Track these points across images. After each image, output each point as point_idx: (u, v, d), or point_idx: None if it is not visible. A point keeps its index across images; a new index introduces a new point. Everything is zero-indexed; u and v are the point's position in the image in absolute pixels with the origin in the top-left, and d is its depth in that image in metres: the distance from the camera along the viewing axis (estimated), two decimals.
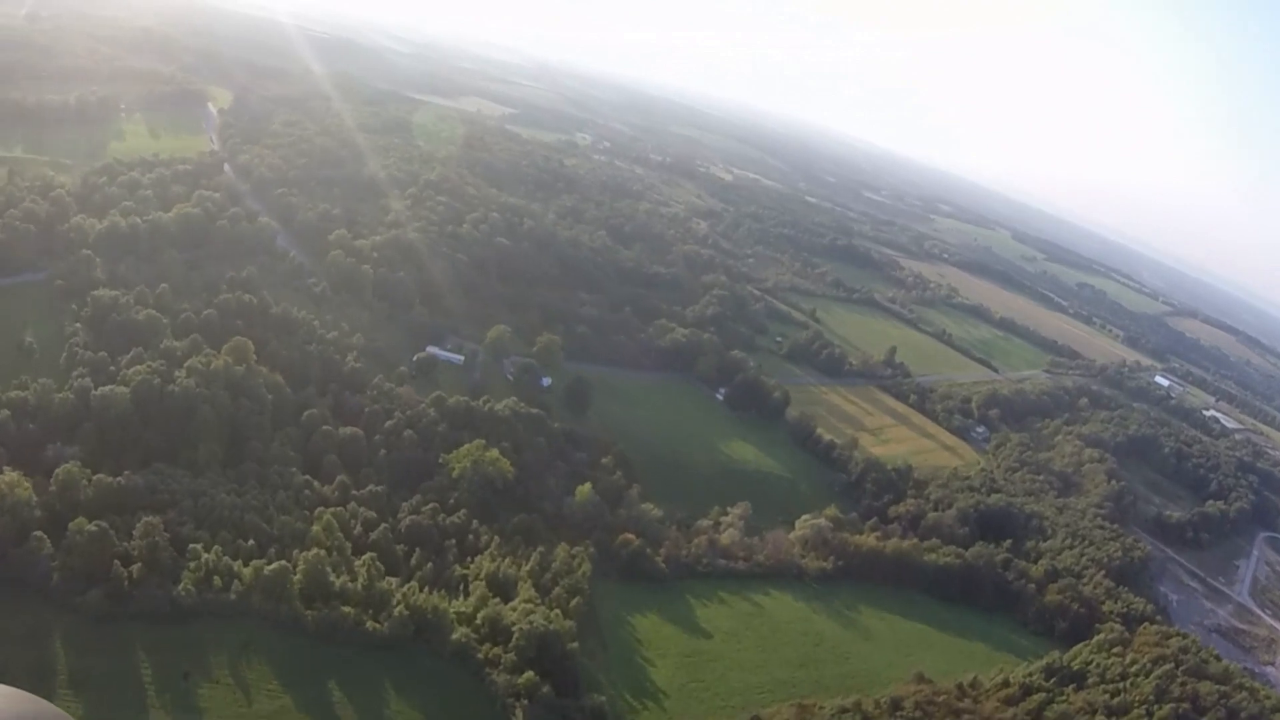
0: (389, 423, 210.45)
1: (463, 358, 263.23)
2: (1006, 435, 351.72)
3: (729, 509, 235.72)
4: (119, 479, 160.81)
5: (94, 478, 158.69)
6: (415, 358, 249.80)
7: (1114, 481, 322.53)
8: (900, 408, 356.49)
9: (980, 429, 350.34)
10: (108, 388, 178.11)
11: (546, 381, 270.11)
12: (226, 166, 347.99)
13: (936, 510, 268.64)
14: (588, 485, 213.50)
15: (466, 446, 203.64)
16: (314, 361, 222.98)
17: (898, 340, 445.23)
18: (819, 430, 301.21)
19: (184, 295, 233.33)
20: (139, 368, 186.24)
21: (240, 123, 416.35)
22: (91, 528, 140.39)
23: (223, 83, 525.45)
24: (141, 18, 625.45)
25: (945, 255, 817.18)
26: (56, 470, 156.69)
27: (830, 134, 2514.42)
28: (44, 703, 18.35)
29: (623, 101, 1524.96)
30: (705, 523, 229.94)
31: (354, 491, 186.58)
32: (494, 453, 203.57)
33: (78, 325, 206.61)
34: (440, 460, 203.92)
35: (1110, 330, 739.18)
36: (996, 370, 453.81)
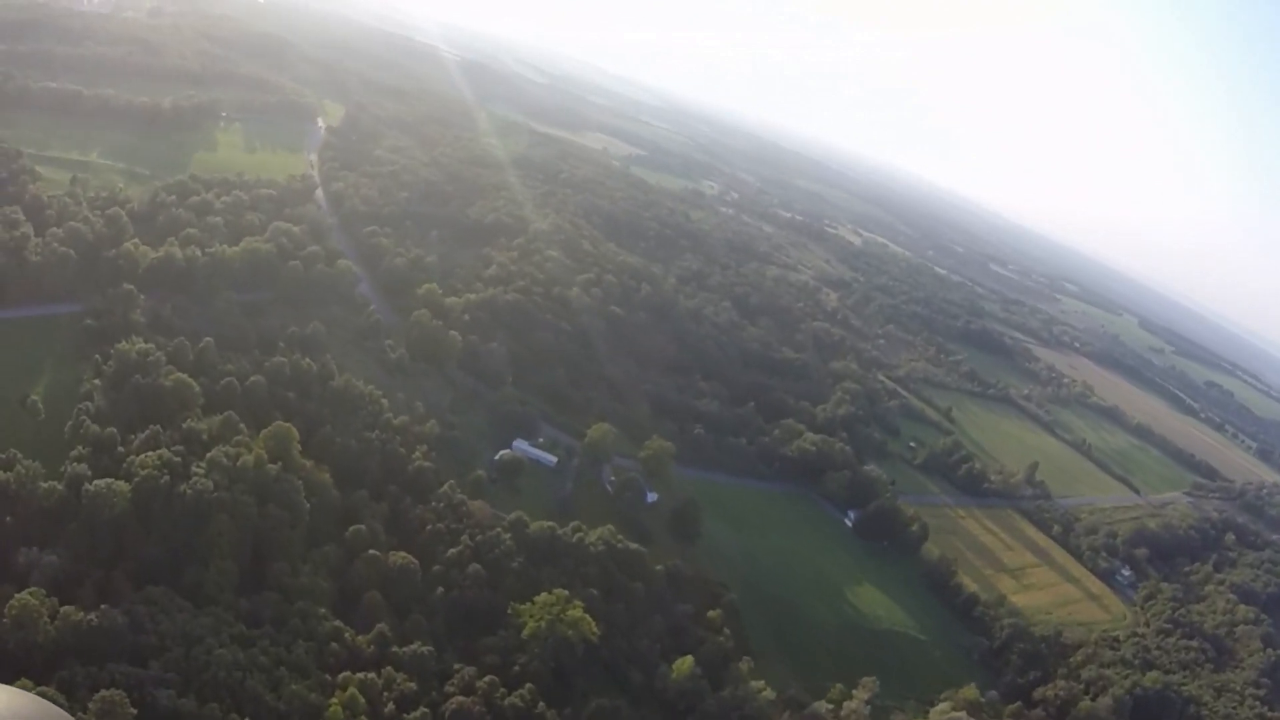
0: (453, 550, 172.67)
1: (555, 459, 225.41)
2: (1156, 585, 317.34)
3: (853, 691, 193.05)
4: (92, 616, 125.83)
5: (61, 610, 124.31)
6: (498, 456, 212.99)
7: (1269, 650, 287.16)
8: (1042, 540, 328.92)
9: (1126, 571, 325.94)
10: (105, 482, 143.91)
11: (652, 497, 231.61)
12: (319, 193, 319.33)
13: (1089, 694, 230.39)
14: (689, 659, 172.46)
15: (544, 597, 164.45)
16: (373, 455, 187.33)
17: (1035, 449, 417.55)
18: (959, 576, 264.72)
19: (233, 350, 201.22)
20: (149, 456, 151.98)
21: (344, 143, 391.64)
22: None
23: (338, 97, 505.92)
24: (264, 22, 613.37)
25: (1076, 344, 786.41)
26: (12, 600, 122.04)
27: (956, 199, 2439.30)
28: (45, 702, 20.15)
29: (751, 150, 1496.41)
30: (825, 706, 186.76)
31: (395, 649, 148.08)
32: (577, 609, 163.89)
33: (96, 383, 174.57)
34: (510, 610, 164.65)
35: (1242, 441, 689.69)
36: (1138, 491, 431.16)
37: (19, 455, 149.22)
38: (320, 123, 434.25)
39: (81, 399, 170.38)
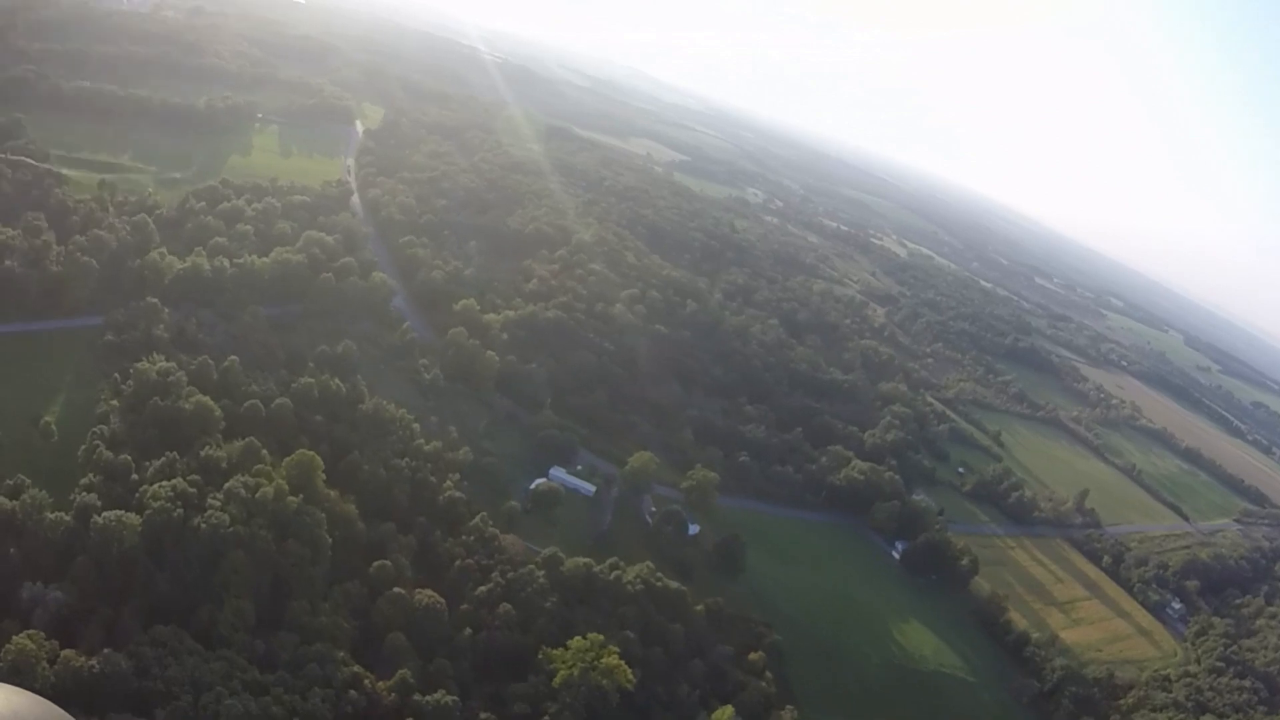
0: (483, 588, 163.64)
1: (594, 488, 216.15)
2: (1208, 620, 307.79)
3: None
4: (94, 662, 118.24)
5: (61, 654, 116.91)
6: (534, 485, 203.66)
7: None
8: (1092, 572, 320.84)
9: (1177, 604, 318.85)
10: (115, 514, 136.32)
11: (694, 529, 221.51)
12: (355, 199, 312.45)
13: None
14: (729, 710, 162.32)
15: (578, 643, 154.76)
16: (403, 484, 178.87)
17: (1085, 474, 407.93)
18: (1009, 614, 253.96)
19: (259, 369, 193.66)
20: (163, 487, 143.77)
21: (382, 148, 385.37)
22: None
23: (379, 101, 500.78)
24: (306, 24, 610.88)
25: (1123, 363, 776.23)
26: (8, 644, 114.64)
27: (999, 208, 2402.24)
28: (45, 702, 19.79)
29: (795, 158, 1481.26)
30: None
31: (418, 696, 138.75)
32: (612, 656, 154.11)
33: (114, 404, 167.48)
34: (541, 655, 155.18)
35: None
36: (1188, 519, 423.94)
37: (27, 482, 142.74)
38: (359, 127, 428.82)
39: (97, 421, 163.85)
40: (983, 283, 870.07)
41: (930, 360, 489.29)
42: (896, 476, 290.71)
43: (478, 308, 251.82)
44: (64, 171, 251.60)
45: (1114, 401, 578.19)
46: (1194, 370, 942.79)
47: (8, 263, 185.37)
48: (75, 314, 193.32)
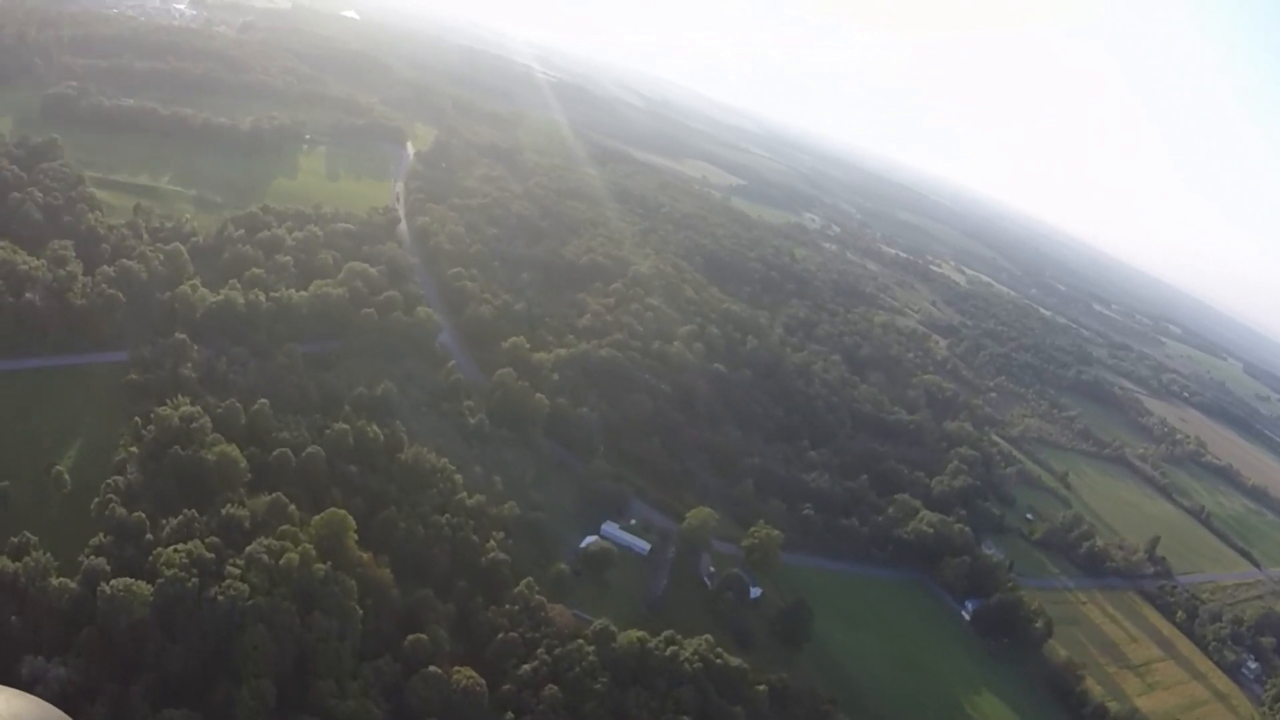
0: (527, 666, 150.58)
1: (649, 546, 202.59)
2: None
3: None
4: None
5: None
6: (584, 543, 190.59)
7: None
8: (1165, 628, 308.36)
9: (1253, 663, 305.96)
10: (124, 582, 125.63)
11: (756, 592, 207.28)
12: (402, 227, 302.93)
13: None
14: None
15: None
16: (442, 543, 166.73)
17: (1153, 518, 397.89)
18: (1086, 681, 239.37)
19: (292, 412, 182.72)
20: (178, 552, 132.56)
21: (432, 171, 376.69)
22: None
23: (431, 121, 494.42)
24: (359, 41, 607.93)
25: (1185, 394, 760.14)
26: None
27: (1056, 232, 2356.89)
28: (45, 704, 20.30)
29: (850, 180, 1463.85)
30: None
31: None
32: None
33: (132, 450, 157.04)
34: None
35: None
36: (1259, 565, 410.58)
37: (33, 540, 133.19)
38: (409, 148, 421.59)
39: (114, 470, 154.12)
40: (1042, 310, 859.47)
41: (994, 395, 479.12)
42: (966, 529, 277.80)
43: (528, 345, 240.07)
44: (99, 194, 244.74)
45: (1178, 436, 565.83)
46: (1254, 400, 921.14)
47: (29, 295, 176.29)
48: (99, 349, 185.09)
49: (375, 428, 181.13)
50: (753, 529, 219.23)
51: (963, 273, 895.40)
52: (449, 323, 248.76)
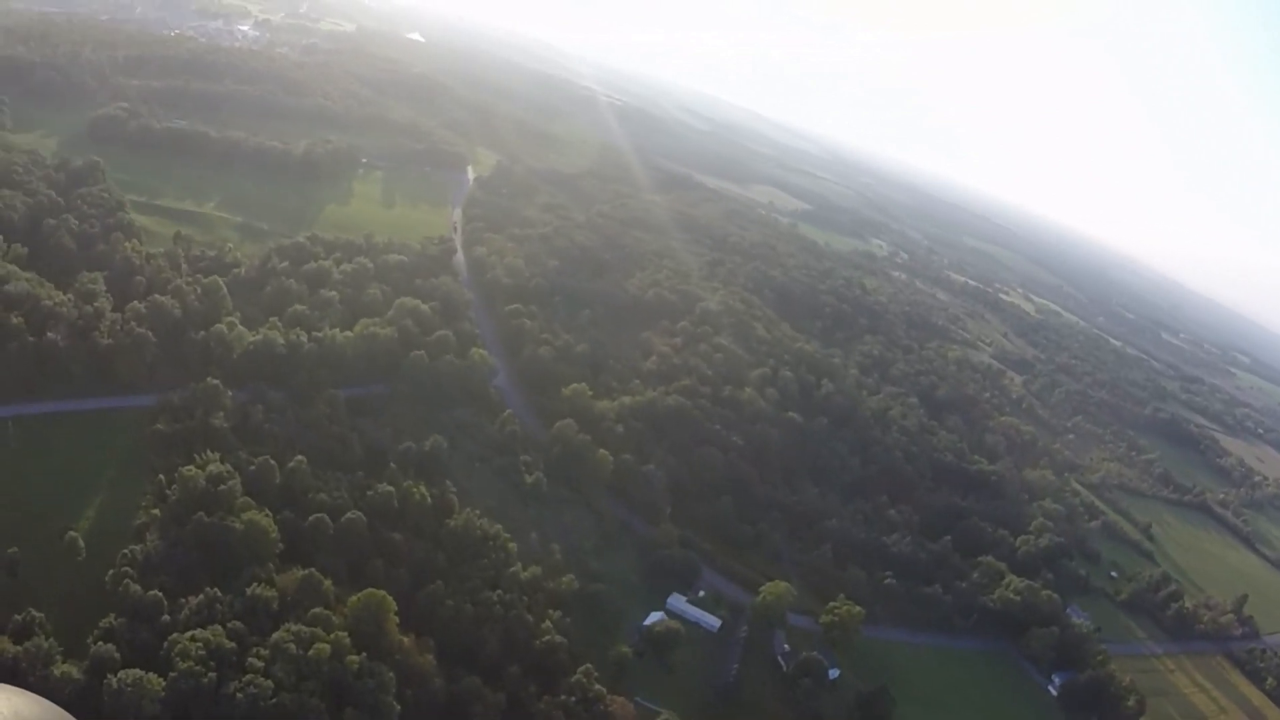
0: None
1: (719, 623, 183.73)
2: None
3: None
4: None
5: None
6: (649, 621, 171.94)
7: None
8: (1256, 697, 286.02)
9: None
10: (133, 674, 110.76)
11: (834, 673, 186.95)
12: (459, 256, 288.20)
13: None
14: None
15: None
16: (493, 623, 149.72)
17: (1238, 570, 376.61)
18: None
19: (332, 468, 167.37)
20: (196, 640, 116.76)
21: (492, 199, 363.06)
22: None
23: (491, 145, 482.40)
24: (422, 63, 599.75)
25: (1260, 430, 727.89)
26: None
27: (1123, 257, 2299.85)
28: (46, 702, 21.78)
29: (914, 204, 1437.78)
30: None
31: None
32: None
33: (154, 513, 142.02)
34: None
35: None
36: None
37: (39, 618, 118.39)
38: (469, 173, 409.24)
39: (133, 536, 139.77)
40: (1112, 341, 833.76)
41: (1072, 437, 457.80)
42: (1055, 596, 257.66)
43: (590, 393, 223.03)
44: (140, 220, 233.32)
45: (1257, 478, 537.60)
46: None
47: (50, 335, 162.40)
48: (126, 391, 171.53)
49: (423, 489, 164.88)
50: (832, 604, 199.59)
51: (1031, 300, 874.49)
52: (506, 364, 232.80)
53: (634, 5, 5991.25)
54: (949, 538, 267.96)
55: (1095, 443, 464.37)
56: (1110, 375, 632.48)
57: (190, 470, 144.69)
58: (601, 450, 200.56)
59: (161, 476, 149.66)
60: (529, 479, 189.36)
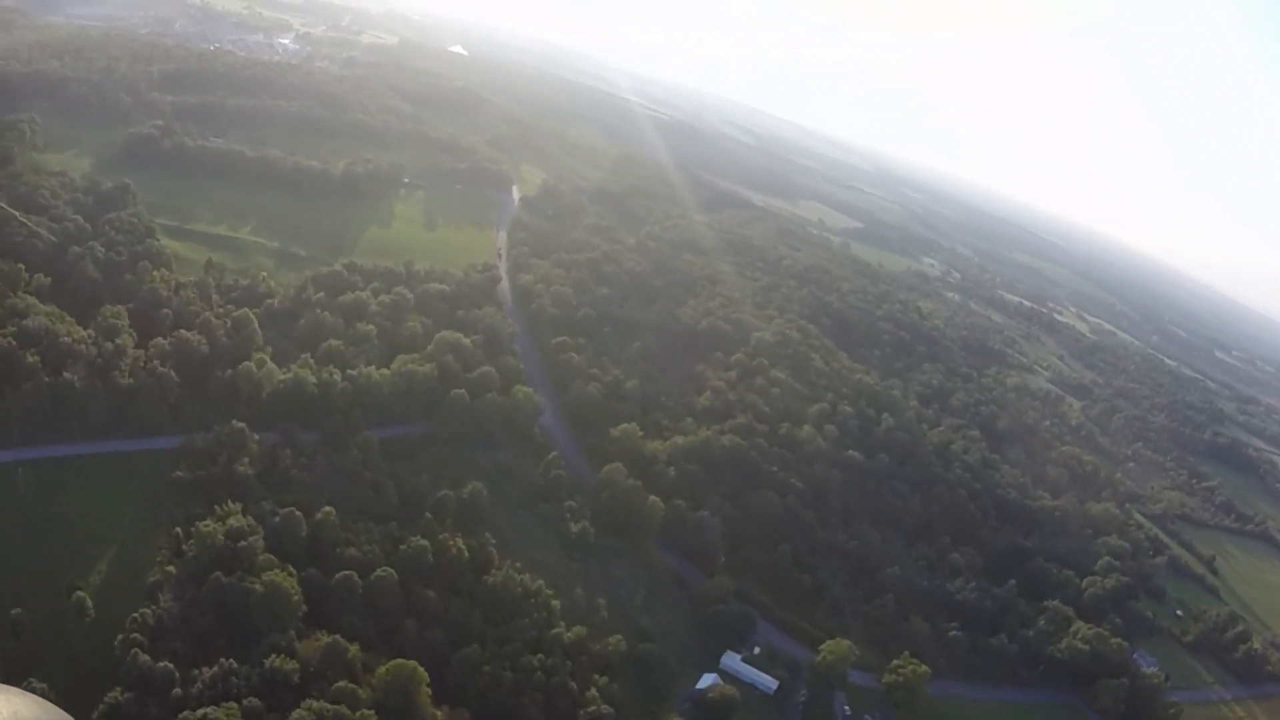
0: None
1: (776, 684, 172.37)
2: None
3: None
4: None
5: None
6: (702, 684, 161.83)
7: None
8: None
9: None
10: None
11: None
12: (504, 285, 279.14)
13: None
14: None
15: None
16: (534, 692, 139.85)
17: None
18: None
19: (364, 518, 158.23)
20: (210, 718, 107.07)
21: (537, 220, 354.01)
22: None
23: (537, 162, 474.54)
24: (465, 77, 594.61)
25: None
26: None
27: (1168, 271, 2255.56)
28: (46, 703, 21.53)
29: (962, 219, 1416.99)
30: None
31: None
32: None
33: (169, 570, 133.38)
34: None
35: None
36: None
37: (42, 689, 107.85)
38: (514, 193, 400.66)
39: (146, 595, 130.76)
40: (1167, 361, 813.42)
41: (1132, 465, 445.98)
42: (1124, 644, 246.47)
43: (640, 433, 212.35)
44: (171, 246, 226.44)
45: None
46: None
47: (67, 374, 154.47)
48: (147, 433, 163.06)
49: (460, 542, 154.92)
50: (896, 663, 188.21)
51: (1084, 319, 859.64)
52: (552, 401, 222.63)
53: (634, 5, 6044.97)
54: (1014, 581, 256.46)
55: (1156, 471, 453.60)
56: (1168, 398, 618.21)
57: (208, 525, 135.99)
58: (652, 497, 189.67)
59: (179, 530, 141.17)
60: (574, 528, 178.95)
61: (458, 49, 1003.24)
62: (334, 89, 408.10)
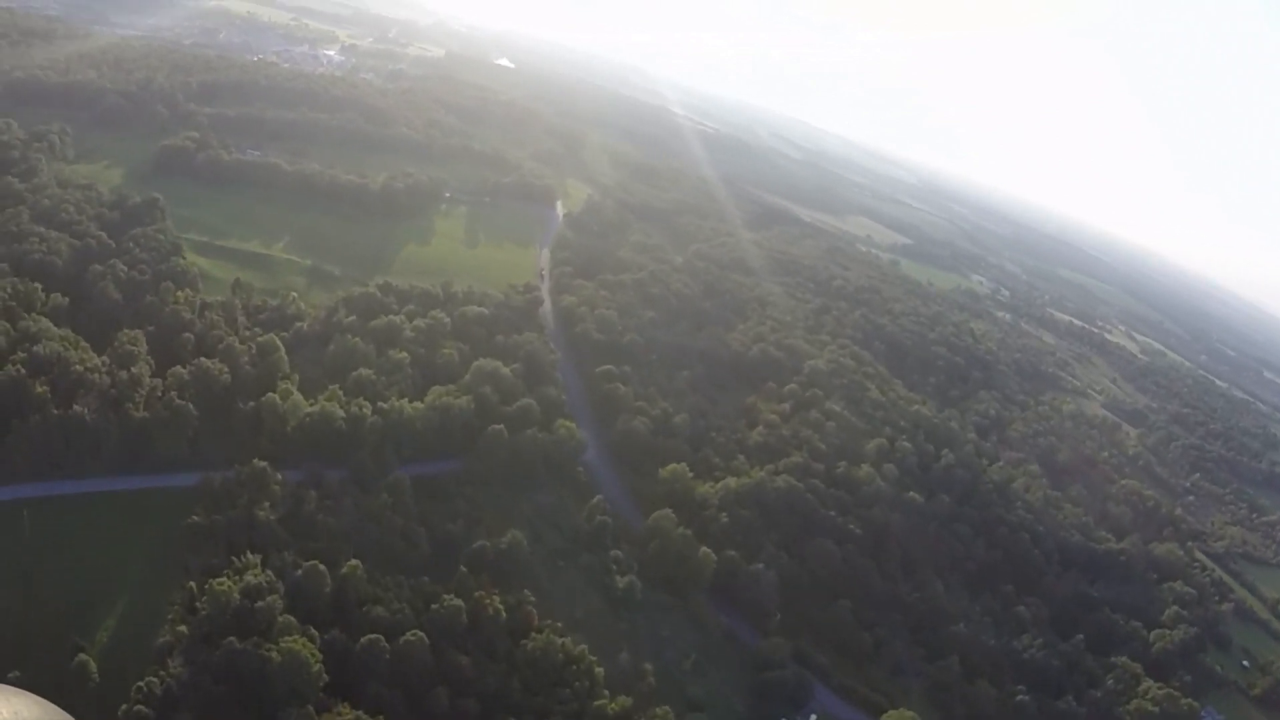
0: None
1: None
2: None
3: None
4: None
5: None
6: None
7: None
8: None
9: None
10: None
11: None
12: (546, 307, 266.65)
13: None
14: None
15: None
16: None
17: None
18: None
19: (394, 569, 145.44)
20: None
21: (582, 238, 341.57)
22: None
23: (582, 176, 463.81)
24: (512, 90, 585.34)
25: None
26: None
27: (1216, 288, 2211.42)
28: (46, 703, 21.74)
29: (1009, 234, 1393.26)
30: None
31: None
32: None
33: (181, 630, 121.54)
34: None
35: None
36: None
37: None
38: (559, 209, 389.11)
39: (154, 659, 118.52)
40: (1218, 382, 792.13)
41: (1191, 499, 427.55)
42: (1194, 704, 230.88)
43: (690, 474, 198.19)
44: (200, 263, 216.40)
45: None
46: None
47: (77, 407, 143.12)
48: (163, 469, 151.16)
49: (497, 602, 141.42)
50: None
51: (1133, 338, 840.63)
52: (596, 435, 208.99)
53: (635, 5, 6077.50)
54: (1081, 636, 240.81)
55: (1215, 504, 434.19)
56: (1222, 424, 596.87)
57: (222, 583, 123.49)
58: (704, 549, 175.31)
59: (192, 584, 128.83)
60: (621, 583, 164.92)
61: (504, 61, 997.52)
62: (378, 102, 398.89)
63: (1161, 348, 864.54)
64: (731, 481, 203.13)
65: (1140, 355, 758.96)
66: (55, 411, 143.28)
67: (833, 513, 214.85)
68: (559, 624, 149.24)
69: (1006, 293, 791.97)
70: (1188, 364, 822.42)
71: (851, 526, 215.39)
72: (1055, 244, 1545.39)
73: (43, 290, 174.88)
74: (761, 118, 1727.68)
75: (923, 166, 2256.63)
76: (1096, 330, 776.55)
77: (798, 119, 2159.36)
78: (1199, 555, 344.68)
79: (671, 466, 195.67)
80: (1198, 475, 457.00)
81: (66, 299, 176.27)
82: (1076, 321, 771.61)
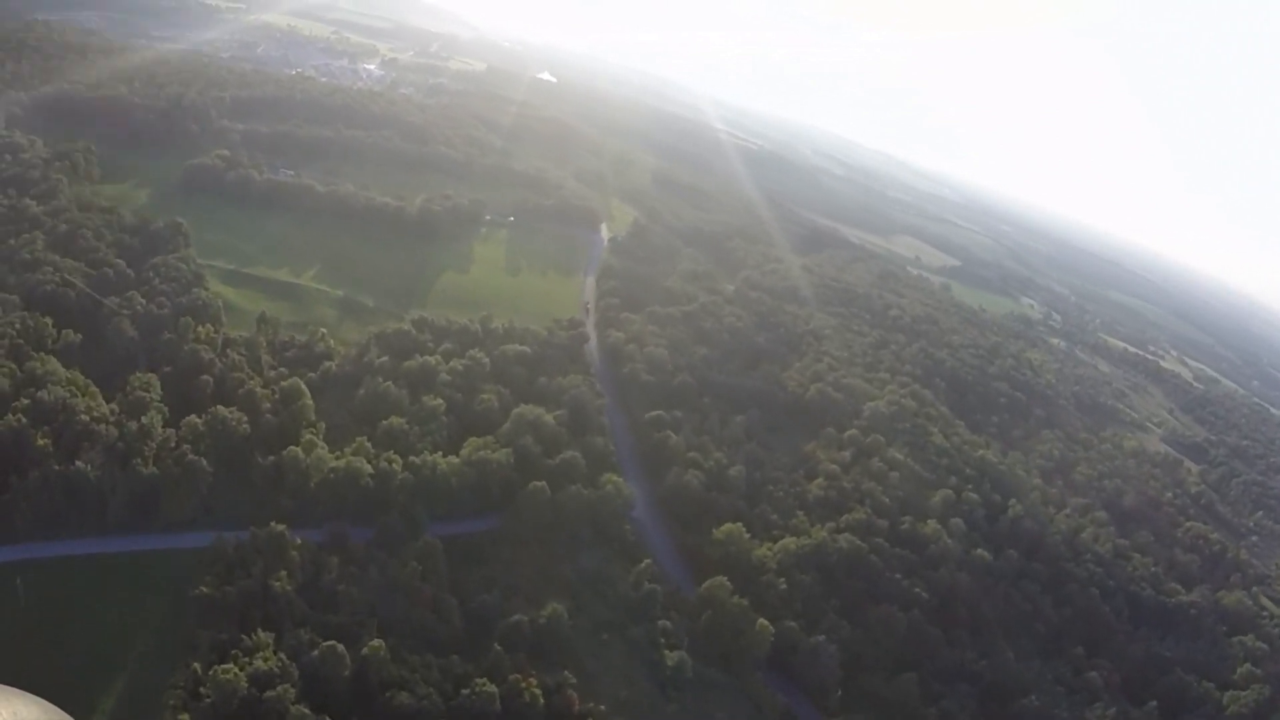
0: None
1: None
2: None
3: None
4: None
5: None
6: None
7: None
8: None
9: None
10: None
11: None
12: (592, 342, 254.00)
13: None
14: None
15: None
16: None
17: None
18: None
19: (422, 647, 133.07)
20: None
21: (628, 265, 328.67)
22: None
23: (627, 197, 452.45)
24: (554, 106, 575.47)
25: None
26: None
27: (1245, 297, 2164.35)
28: (45, 703, 20.60)
29: (1055, 254, 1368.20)
30: None
31: None
32: None
33: (183, 719, 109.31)
34: None
35: None
36: None
37: None
38: (604, 232, 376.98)
39: None
40: (1273, 410, 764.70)
41: (1255, 539, 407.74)
42: None
43: (746, 534, 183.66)
44: (224, 292, 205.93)
45: None
46: None
47: (80, 463, 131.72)
48: (174, 529, 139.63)
49: (534, 687, 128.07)
50: None
51: (1186, 364, 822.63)
52: (644, 488, 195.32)
53: (636, 5, 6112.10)
54: (1154, 703, 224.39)
55: (1276, 543, 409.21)
56: None
57: (229, 670, 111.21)
58: (761, 620, 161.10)
59: (197, 666, 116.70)
60: (670, 659, 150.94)
61: (546, 75, 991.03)
62: (416, 119, 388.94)
63: (1215, 374, 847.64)
64: (790, 542, 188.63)
65: (1194, 383, 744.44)
66: (57, 467, 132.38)
67: (898, 575, 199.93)
68: (602, 707, 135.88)
69: (1058, 317, 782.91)
70: (1242, 391, 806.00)
71: (918, 590, 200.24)
72: (1100, 263, 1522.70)
73: (54, 325, 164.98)
74: (803, 133, 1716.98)
75: (963, 183, 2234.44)
76: (1150, 357, 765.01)
77: (837, 134, 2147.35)
78: (1265, 601, 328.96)
79: (727, 527, 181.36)
80: (1260, 514, 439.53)
81: (79, 336, 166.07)
82: (1130, 348, 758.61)
